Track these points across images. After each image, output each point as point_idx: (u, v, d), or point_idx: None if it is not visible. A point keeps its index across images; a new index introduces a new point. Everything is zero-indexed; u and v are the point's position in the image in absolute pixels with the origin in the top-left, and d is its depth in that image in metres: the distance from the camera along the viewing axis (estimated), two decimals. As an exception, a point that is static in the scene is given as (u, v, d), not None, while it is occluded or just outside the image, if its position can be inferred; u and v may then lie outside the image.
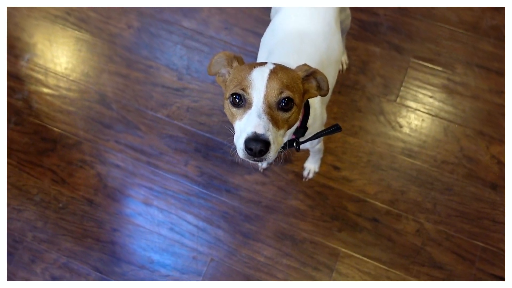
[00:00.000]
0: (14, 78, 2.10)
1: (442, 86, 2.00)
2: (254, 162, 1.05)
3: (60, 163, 1.94)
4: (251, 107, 1.01)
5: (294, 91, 1.04)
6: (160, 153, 1.95)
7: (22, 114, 2.03)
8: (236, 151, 1.03)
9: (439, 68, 2.03)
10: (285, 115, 1.04)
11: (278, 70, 1.04)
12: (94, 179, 1.91)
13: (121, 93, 2.05)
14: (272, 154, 1.00)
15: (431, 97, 1.99)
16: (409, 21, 2.11)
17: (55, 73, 2.11)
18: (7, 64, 2.11)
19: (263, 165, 1.89)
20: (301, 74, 1.10)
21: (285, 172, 1.90)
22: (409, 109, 1.97)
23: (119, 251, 1.82)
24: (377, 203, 1.84)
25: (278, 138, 1.03)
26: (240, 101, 1.03)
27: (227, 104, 1.07)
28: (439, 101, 1.98)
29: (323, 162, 1.89)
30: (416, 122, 1.95)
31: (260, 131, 0.97)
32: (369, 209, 1.83)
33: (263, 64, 1.07)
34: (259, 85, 1.01)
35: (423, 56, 2.05)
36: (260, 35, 2.13)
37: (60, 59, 2.13)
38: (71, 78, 2.10)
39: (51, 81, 2.09)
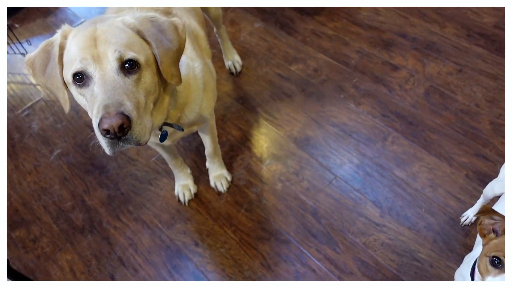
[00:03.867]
0: (255, 176, 2.74)
1: None
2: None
3: (270, 252, 2.43)
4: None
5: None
6: (350, 273, 2.29)
7: (252, 205, 2.62)
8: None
9: None
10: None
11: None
12: (292, 276, 2.33)
13: (331, 213, 2.50)
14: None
15: None
16: None
17: (283, 181, 2.70)
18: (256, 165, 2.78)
19: None
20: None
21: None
22: None
23: None
24: None
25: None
26: None
27: None
28: None
29: None
30: None
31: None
32: None
33: None
34: None
35: None
36: (461, 202, 2.43)
37: (290, 176, 2.73)
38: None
39: (279, 188, 2.68)
